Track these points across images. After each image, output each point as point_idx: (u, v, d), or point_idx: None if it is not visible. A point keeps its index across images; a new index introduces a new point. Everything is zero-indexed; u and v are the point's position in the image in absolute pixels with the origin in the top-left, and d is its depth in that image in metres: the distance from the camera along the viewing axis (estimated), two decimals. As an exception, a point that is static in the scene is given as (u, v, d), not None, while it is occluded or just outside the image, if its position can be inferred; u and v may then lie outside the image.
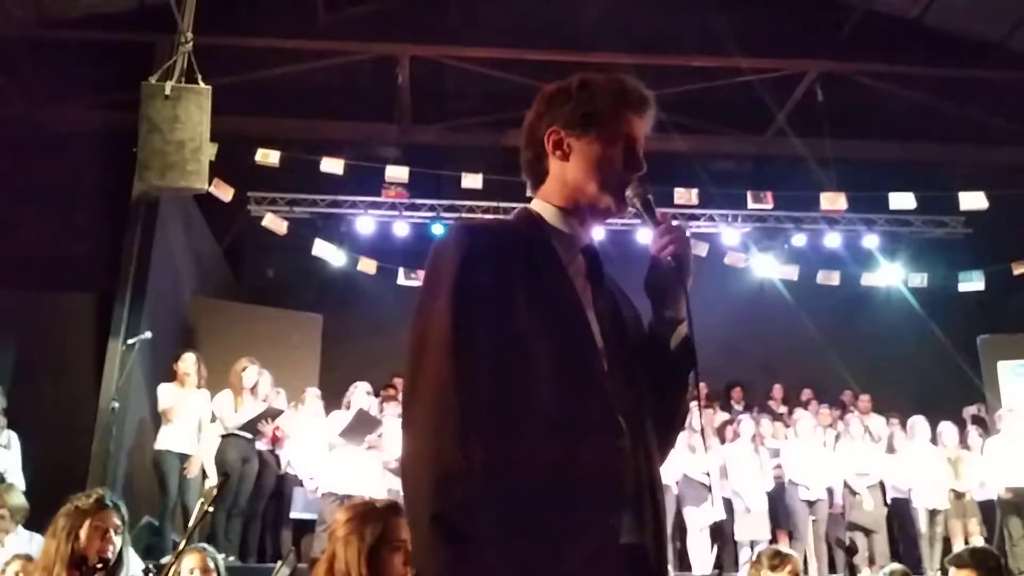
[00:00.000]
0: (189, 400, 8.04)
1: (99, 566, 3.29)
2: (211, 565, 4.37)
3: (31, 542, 6.14)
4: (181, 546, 3.72)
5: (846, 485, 9.04)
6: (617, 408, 1.68)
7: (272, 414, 8.35)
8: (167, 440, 7.91)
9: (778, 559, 4.50)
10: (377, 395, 9.82)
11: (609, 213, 1.87)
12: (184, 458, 7.90)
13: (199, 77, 6.94)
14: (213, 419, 8.12)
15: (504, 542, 1.50)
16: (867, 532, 8.88)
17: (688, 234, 1.84)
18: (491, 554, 1.49)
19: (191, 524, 3.70)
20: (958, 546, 8.59)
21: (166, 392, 8.04)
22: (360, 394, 8.65)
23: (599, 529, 1.59)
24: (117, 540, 3.36)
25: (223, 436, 8.02)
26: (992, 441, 9.05)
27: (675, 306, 1.88)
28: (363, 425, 8.27)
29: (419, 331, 1.65)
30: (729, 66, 10.52)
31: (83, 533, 3.30)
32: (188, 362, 8.15)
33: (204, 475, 8.12)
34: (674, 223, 1.85)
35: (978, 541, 8.74)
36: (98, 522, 3.33)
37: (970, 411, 10.45)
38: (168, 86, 6.74)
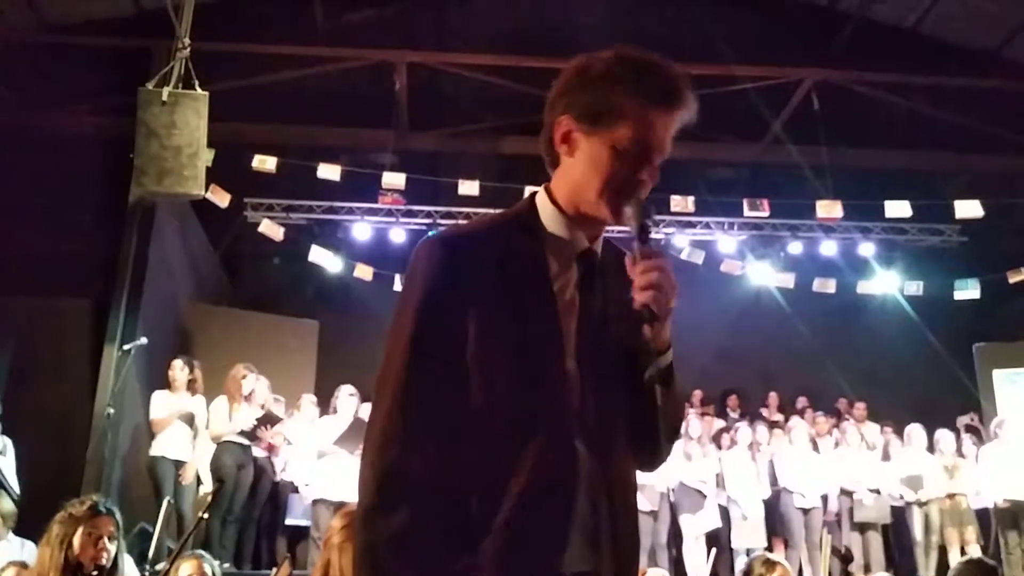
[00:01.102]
0: (183, 406, 8.04)
1: (95, 573, 3.28)
2: (208, 571, 4.35)
3: (23, 549, 6.13)
4: (176, 552, 3.71)
5: (843, 491, 9.05)
6: (576, 430, 1.58)
7: (271, 420, 8.34)
8: (161, 446, 7.90)
9: (767, 566, 4.53)
10: (367, 400, 9.83)
11: (603, 225, 1.71)
12: (179, 464, 7.89)
13: (196, 83, 6.94)
14: (207, 425, 8.11)
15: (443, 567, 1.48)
16: (868, 528, 8.88)
17: (670, 274, 1.61)
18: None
19: (187, 531, 3.69)
20: (954, 555, 8.62)
21: (159, 400, 8.03)
22: (344, 397, 8.67)
23: (541, 552, 1.52)
24: (111, 546, 3.35)
25: (218, 442, 8.01)
26: (987, 449, 9.06)
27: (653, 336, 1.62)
28: (361, 432, 8.26)
29: (388, 346, 1.63)
30: (726, 74, 10.53)
31: (76, 540, 3.28)
32: (176, 368, 8.16)
33: (199, 481, 8.11)
34: (660, 262, 1.60)
35: (974, 550, 8.74)
36: (91, 528, 3.31)
37: (963, 420, 10.46)
38: (165, 92, 6.74)
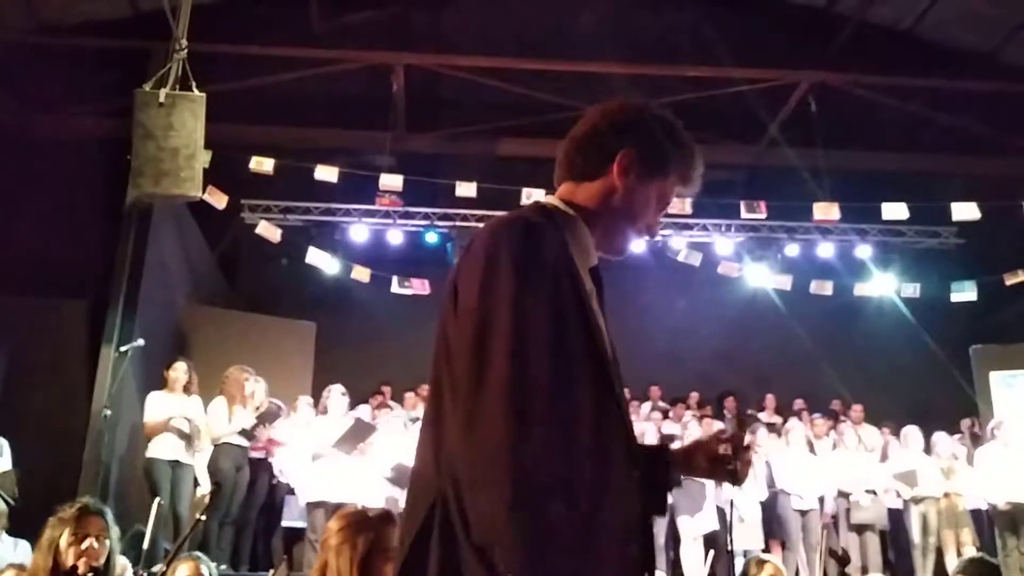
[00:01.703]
0: (180, 407, 8.02)
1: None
2: (205, 573, 4.35)
3: (16, 549, 6.13)
4: (172, 554, 3.70)
5: (840, 493, 9.05)
6: (634, 441, 1.69)
7: (269, 418, 8.33)
8: (157, 448, 7.88)
9: (759, 566, 4.62)
10: (366, 402, 9.83)
11: (614, 252, 1.88)
12: (175, 465, 7.87)
13: (193, 84, 6.93)
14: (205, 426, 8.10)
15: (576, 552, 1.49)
16: (866, 529, 8.88)
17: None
18: (566, 555, 1.46)
19: (184, 532, 3.67)
20: (950, 557, 8.62)
21: (156, 402, 8.01)
22: (336, 397, 8.66)
23: (620, 554, 1.60)
24: (100, 547, 3.29)
25: (216, 444, 8.00)
26: (983, 451, 9.06)
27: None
28: (358, 434, 8.27)
29: (478, 328, 1.56)
30: (723, 76, 10.56)
31: (63, 543, 3.25)
32: (180, 370, 8.13)
33: (196, 483, 8.09)
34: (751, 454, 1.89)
35: (970, 551, 8.74)
36: (77, 530, 3.27)
37: (966, 424, 10.47)
38: (162, 93, 6.72)
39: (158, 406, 7.98)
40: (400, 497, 8.43)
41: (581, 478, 1.53)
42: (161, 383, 8.17)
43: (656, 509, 1.82)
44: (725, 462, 1.81)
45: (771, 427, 10.08)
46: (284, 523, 8.83)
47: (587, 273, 1.76)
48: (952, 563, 8.66)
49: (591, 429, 1.57)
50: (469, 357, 1.54)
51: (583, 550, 1.50)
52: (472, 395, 1.51)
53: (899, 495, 9.19)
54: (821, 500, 9.04)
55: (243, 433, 8.03)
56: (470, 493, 1.50)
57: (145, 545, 3.75)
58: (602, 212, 1.82)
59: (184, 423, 7.92)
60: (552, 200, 1.85)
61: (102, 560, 3.31)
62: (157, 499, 3.66)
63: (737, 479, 1.81)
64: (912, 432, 9.31)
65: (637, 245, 1.91)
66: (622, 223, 1.84)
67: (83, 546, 3.26)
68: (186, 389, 8.13)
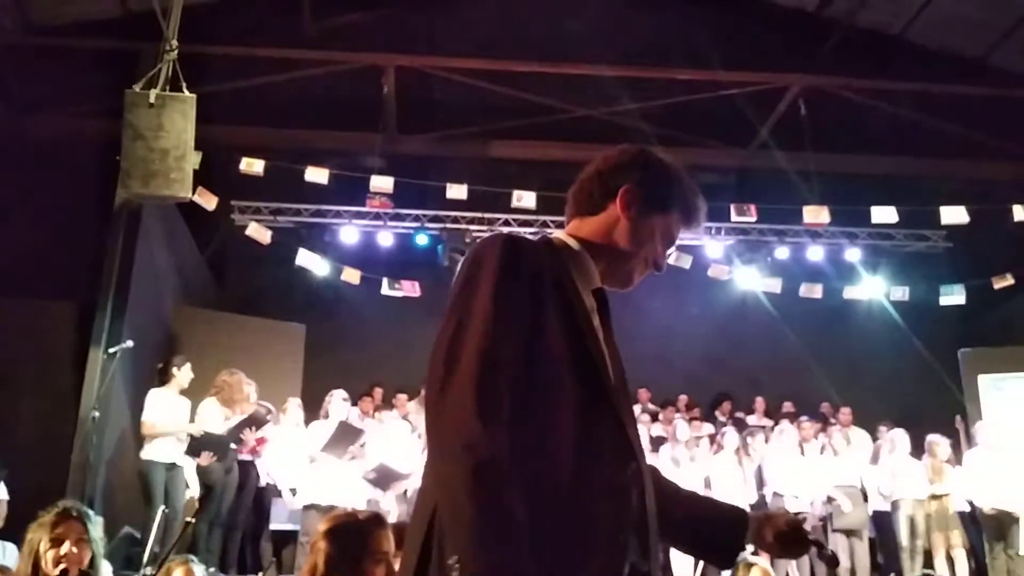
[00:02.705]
0: (182, 408, 8.02)
1: None
2: (196, 573, 4.33)
3: (3, 552, 6.10)
4: (163, 558, 3.67)
5: (829, 498, 9.07)
6: (630, 436, 1.73)
7: (257, 422, 8.31)
8: (156, 450, 7.84)
9: (746, 569, 4.75)
10: (355, 404, 9.81)
11: (620, 284, 1.96)
12: (171, 468, 7.84)
13: (183, 85, 6.91)
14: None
15: (536, 542, 1.50)
16: (852, 534, 8.90)
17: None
18: (528, 545, 1.48)
19: (174, 535, 3.64)
20: (939, 559, 8.64)
21: (158, 400, 7.99)
22: (337, 402, 8.65)
23: (610, 545, 1.62)
24: (80, 551, 3.24)
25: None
26: (971, 455, 9.10)
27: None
28: (345, 436, 8.26)
29: (454, 327, 1.63)
30: (713, 79, 10.58)
31: (42, 547, 3.21)
32: (185, 369, 8.15)
33: (186, 485, 8.07)
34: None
35: (960, 554, 8.78)
36: (58, 533, 3.23)
37: (959, 424, 10.49)
38: (152, 94, 6.71)
39: (164, 405, 7.95)
40: (381, 499, 8.43)
41: (552, 474, 1.58)
42: (161, 380, 8.14)
43: (720, 563, 1.96)
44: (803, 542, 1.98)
45: (761, 429, 10.11)
46: (273, 526, 8.80)
47: (588, 292, 1.85)
48: (941, 565, 8.70)
49: (572, 427, 1.63)
50: (443, 355, 1.60)
51: (554, 541, 1.54)
52: (440, 392, 1.57)
53: (884, 497, 9.22)
54: (813, 504, 9.06)
55: (229, 435, 8.00)
56: (434, 486, 1.58)
57: (147, 552, 3.68)
58: (606, 244, 1.92)
59: (191, 427, 7.91)
60: (558, 235, 1.95)
61: (84, 564, 3.25)
62: (162, 508, 3.59)
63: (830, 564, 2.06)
64: (899, 435, 9.33)
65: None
66: (626, 255, 1.92)
67: (61, 551, 3.21)
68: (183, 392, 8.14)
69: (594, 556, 1.58)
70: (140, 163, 6.63)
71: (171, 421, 7.91)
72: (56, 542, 3.22)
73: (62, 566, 3.20)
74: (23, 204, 9.27)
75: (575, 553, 1.56)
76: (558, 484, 1.58)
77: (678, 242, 2.08)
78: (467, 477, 1.48)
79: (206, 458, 7.83)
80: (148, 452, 7.85)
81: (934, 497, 9.01)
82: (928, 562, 8.87)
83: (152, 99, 6.67)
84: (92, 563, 3.30)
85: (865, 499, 9.20)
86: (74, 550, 3.23)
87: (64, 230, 9.32)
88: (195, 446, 7.86)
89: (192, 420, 8.06)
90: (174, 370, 8.17)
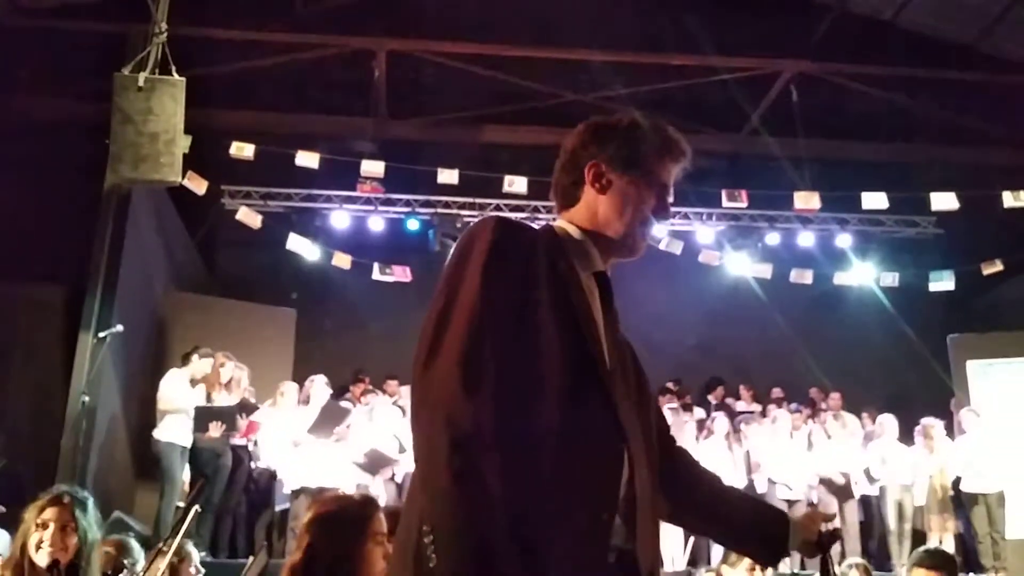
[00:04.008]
0: (189, 392, 8.07)
1: (43, 565, 3.16)
2: (189, 559, 4.34)
3: (-1, 540, 6.08)
4: (155, 552, 3.65)
5: (822, 480, 9.13)
6: (621, 418, 1.72)
7: (247, 408, 8.32)
8: (171, 431, 7.87)
9: (738, 555, 4.64)
10: (347, 390, 9.80)
11: (628, 253, 1.94)
12: (184, 452, 7.89)
13: (173, 68, 6.88)
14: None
15: (512, 514, 1.51)
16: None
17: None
18: (505, 517, 1.50)
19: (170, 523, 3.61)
20: (933, 541, 8.69)
21: (175, 377, 8.10)
22: (319, 387, 8.65)
23: (592, 523, 1.62)
24: (67, 537, 3.19)
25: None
26: (960, 440, 9.16)
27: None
28: (331, 417, 8.25)
29: (442, 304, 1.66)
30: (705, 65, 10.56)
31: (30, 531, 3.18)
32: (203, 363, 8.24)
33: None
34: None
35: (947, 539, 8.83)
36: (44, 518, 3.20)
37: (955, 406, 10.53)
38: (141, 77, 6.67)
39: (175, 383, 8.10)
40: (370, 483, 8.44)
41: (535, 452, 1.59)
42: (182, 363, 8.21)
43: (767, 562, 2.16)
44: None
45: (752, 416, 10.14)
46: (277, 508, 8.76)
47: (588, 275, 1.85)
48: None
49: (558, 406, 1.63)
50: (430, 333, 1.63)
51: (532, 517, 1.54)
52: (425, 368, 1.60)
53: (872, 482, 9.27)
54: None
55: (224, 419, 8.01)
56: (416, 456, 1.59)
57: (185, 524, 3.57)
58: (599, 226, 1.90)
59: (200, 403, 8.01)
60: (559, 222, 1.95)
61: (70, 550, 3.19)
62: (195, 508, 3.53)
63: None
64: (887, 420, 9.37)
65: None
66: (619, 229, 1.89)
67: (44, 536, 3.16)
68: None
69: (574, 534, 1.58)
70: (129, 147, 6.60)
71: (181, 398, 8.00)
72: (41, 526, 3.17)
73: (46, 551, 3.15)
74: (11, 188, 9.21)
75: (554, 530, 1.56)
76: (540, 461, 1.59)
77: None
78: (446, 449, 1.51)
79: (216, 428, 7.85)
80: (164, 433, 7.87)
81: (931, 479, 9.04)
82: (916, 545, 8.92)
83: (141, 82, 6.64)
84: (81, 549, 3.23)
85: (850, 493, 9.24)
86: (59, 535, 3.17)
87: (53, 214, 9.27)
88: (202, 419, 7.87)
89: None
90: (194, 356, 8.27)
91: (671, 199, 1.97)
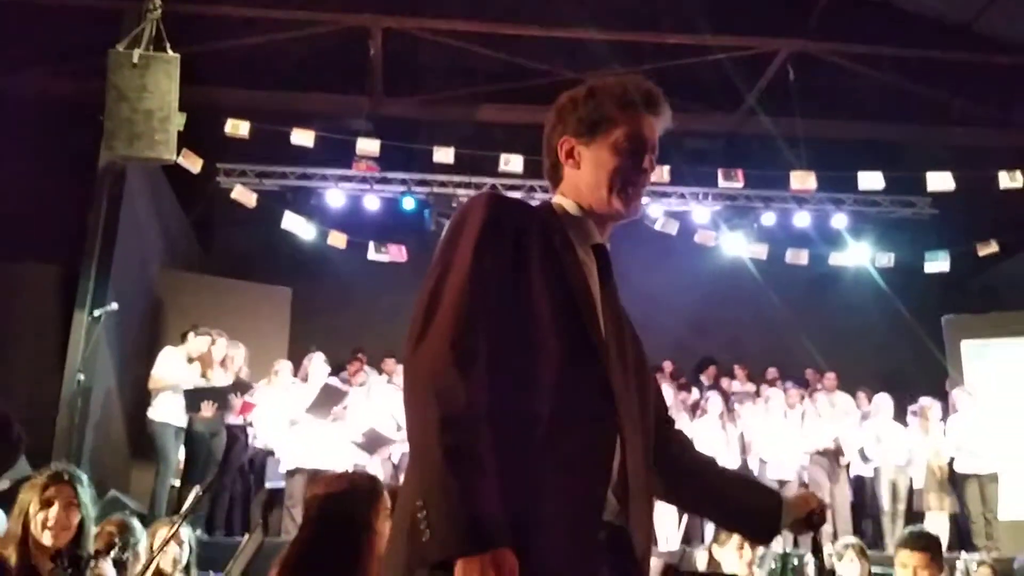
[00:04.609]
0: (184, 371, 8.06)
1: (47, 543, 3.19)
2: (184, 536, 4.35)
3: (-2, 519, 6.09)
4: (178, 524, 3.65)
5: (812, 460, 9.17)
6: (614, 393, 1.71)
7: (242, 388, 8.33)
8: (165, 411, 7.88)
9: (725, 534, 4.71)
10: (343, 368, 9.81)
11: (620, 216, 1.91)
12: (178, 432, 7.90)
13: (167, 45, 6.83)
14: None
15: (503, 489, 1.52)
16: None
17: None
18: (496, 492, 1.50)
19: (184, 508, 3.62)
20: (929, 520, 8.72)
21: (170, 355, 8.08)
22: (317, 364, 8.65)
23: (585, 498, 1.63)
24: (65, 514, 3.23)
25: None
26: (954, 421, 9.19)
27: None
28: (329, 398, 8.27)
29: (434, 280, 1.66)
30: (701, 44, 10.51)
31: (32, 509, 3.20)
32: (199, 341, 8.21)
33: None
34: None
35: (944, 518, 8.87)
36: (47, 496, 3.22)
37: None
38: (136, 54, 6.63)
39: (170, 360, 8.08)
40: (367, 463, 8.47)
41: (526, 427, 1.60)
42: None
43: (758, 540, 2.17)
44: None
45: (747, 396, 10.18)
46: (268, 484, 8.78)
47: (586, 249, 1.85)
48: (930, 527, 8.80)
49: (550, 382, 1.63)
50: (422, 309, 1.63)
51: (523, 492, 1.55)
52: (416, 344, 1.60)
53: (866, 461, 9.32)
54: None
55: (216, 398, 8.01)
56: (409, 435, 1.60)
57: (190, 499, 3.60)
58: (583, 200, 1.90)
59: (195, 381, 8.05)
60: (558, 199, 1.95)
61: (73, 528, 3.24)
62: (196, 488, 3.56)
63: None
64: (883, 399, 9.41)
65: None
66: (603, 196, 1.88)
67: (49, 514, 3.20)
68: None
69: (565, 509, 1.59)
70: (124, 124, 6.57)
71: (174, 376, 8.00)
72: (45, 504, 3.20)
73: (50, 529, 3.18)
74: (4, 166, 9.16)
75: (545, 505, 1.57)
76: (531, 437, 1.60)
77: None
78: (436, 426, 1.51)
79: (209, 408, 7.86)
80: (158, 413, 7.88)
81: (929, 460, 9.08)
82: (909, 524, 8.97)
83: (135, 59, 6.60)
84: (82, 527, 3.28)
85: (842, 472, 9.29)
86: (63, 514, 3.22)
87: (47, 192, 9.22)
88: (194, 399, 7.88)
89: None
90: (191, 334, 8.28)
91: (651, 150, 1.91)
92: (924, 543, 4.16)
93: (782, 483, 8.89)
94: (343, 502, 2.73)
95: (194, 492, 3.65)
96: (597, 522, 1.63)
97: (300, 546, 2.69)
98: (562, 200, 1.92)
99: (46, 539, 3.18)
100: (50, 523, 3.19)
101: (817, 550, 2.10)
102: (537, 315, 1.67)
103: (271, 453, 8.64)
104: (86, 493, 3.32)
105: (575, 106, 1.92)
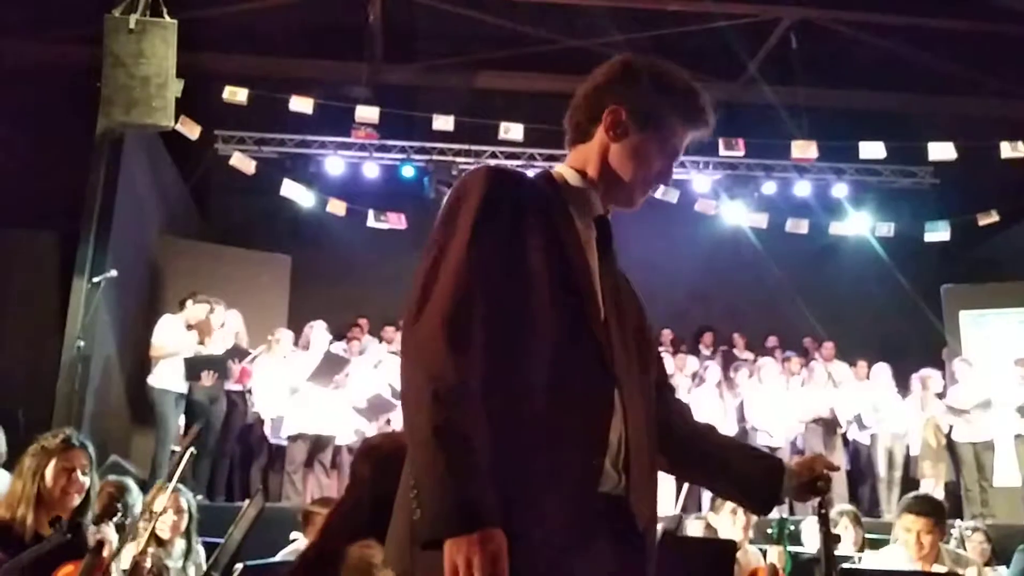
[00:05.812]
0: (183, 337, 8.08)
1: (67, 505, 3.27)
2: (183, 505, 4.39)
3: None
4: (169, 488, 3.69)
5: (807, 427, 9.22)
6: (612, 365, 1.71)
7: (240, 354, 8.36)
8: (166, 378, 7.90)
9: (723, 502, 4.80)
10: (342, 336, 9.83)
11: (624, 206, 1.92)
12: (179, 398, 7.93)
13: (164, 11, 6.78)
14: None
15: (496, 464, 1.52)
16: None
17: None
18: (487, 469, 1.50)
19: (176, 470, 3.66)
20: (925, 487, 8.79)
21: (169, 323, 8.12)
22: (319, 332, 8.67)
23: (581, 470, 1.62)
24: (84, 480, 3.34)
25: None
26: (952, 390, 9.23)
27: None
28: (331, 366, 8.30)
29: (432, 258, 1.65)
30: (702, 11, 10.43)
31: (49, 472, 3.26)
32: (197, 308, 8.24)
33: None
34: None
35: (940, 488, 8.93)
36: (64, 462, 3.30)
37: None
38: (133, 19, 6.59)
39: (168, 328, 8.10)
40: (370, 430, 8.52)
41: (523, 403, 1.60)
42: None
43: (758, 510, 2.07)
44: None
45: (745, 363, 10.20)
46: (272, 441, 8.79)
47: (588, 222, 1.83)
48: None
49: (548, 357, 1.63)
50: (419, 287, 1.63)
51: (519, 469, 1.56)
52: (413, 322, 1.60)
53: (862, 429, 9.36)
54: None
55: (215, 367, 8.03)
56: (403, 401, 1.60)
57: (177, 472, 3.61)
58: (600, 172, 1.87)
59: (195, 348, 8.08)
60: (558, 168, 1.92)
61: (83, 493, 3.35)
62: (191, 451, 3.56)
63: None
64: (881, 369, 9.44)
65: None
66: (620, 180, 1.87)
67: (71, 478, 3.29)
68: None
69: (560, 481, 1.59)
70: (121, 91, 6.54)
71: (174, 343, 8.03)
72: (66, 470, 3.29)
73: (68, 495, 3.29)
74: (2, 133, 9.12)
75: (540, 478, 1.57)
76: (527, 413, 1.60)
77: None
78: (428, 403, 1.51)
79: (208, 378, 7.89)
80: (159, 380, 7.90)
81: (926, 428, 9.12)
82: (905, 492, 9.03)
83: (132, 24, 6.56)
84: (88, 494, 3.39)
85: (845, 440, 9.34)
86: (81, 479, 3.33)
87: (45, 159, 9.18)
88: (194, 368, 7.90)
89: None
90: (189, 302, 8.29)
91: (675, 165, 1.95)
92: (929, 508, 4.20)
93: (772, 450, 8.94)
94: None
95: (177, 453, 3.70)
96: (592, 493, 1.63)
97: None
98: (565, 170, 1.89)
99: (68, 505, 3.28)
100: (70, 486, 3.29)
101: (823, 516, 2.04)
102: (535, 292, 1.66)
103: (271, 420, 8.67)
104: (93, 459, 3.44)
105: (638, 85, 1.87)
